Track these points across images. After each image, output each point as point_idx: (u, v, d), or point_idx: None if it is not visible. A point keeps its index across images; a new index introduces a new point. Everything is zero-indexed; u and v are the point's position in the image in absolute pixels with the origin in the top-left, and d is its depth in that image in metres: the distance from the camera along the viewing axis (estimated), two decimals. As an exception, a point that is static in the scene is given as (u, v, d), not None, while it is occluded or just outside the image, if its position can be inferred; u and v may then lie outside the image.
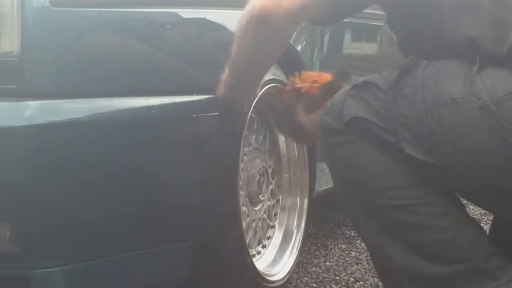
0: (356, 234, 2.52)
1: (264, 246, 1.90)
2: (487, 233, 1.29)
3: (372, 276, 2.04)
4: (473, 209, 2.70)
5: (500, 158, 1.10)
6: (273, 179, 1.92)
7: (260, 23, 1.24)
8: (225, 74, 1.45)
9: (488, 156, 1.11)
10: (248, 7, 1.26)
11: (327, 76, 1.50)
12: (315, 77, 1.50)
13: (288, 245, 1.94)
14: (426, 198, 1.20)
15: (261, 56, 1.37)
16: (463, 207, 1.24)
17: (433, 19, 1.22)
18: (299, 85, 1.50)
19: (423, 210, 1.20)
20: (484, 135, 1.10)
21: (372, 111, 1.21)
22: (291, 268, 1.90)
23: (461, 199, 1.26)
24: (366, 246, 1.37)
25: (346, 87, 1.28)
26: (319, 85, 1.48)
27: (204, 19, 1.57)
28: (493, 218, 1.42)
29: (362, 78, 1.25)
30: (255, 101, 1.65)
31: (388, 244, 1.23)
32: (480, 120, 1.10)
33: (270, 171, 1.88)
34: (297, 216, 1.99)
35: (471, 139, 1.11)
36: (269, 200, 1.90)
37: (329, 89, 1.47)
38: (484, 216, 2.71)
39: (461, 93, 1.12)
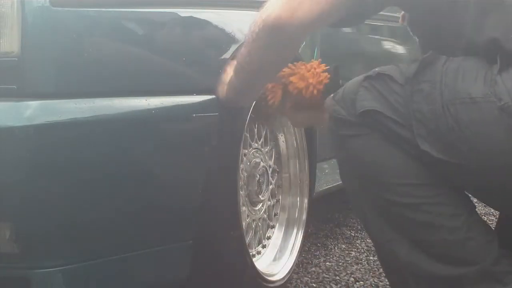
0: (356, 234, 2.52)
1: (264, 246, 1.90)
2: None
3: (372, 276, 2.04)
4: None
5: None
6: (273, 179, 1.92)
7: (274, 32, 1.24)
8: (227, 75, 1.45)
9: (505, 155, 1.10)
10: (262, 15, 1.25)
11: (322, 75, 1.47)
12: (311, 76, 1.47)
13: (288, 245, 1.94)
14: (438, 197, 1.19)
15: (271, 63, 1.37)
16: (474, 209, 1.23)
17: (456, 19, 1.21)
18: (293, 83, 1.48)
19: (435, 209, 1.19)
20: (502, 135, 1.10)
21: (387, 105, 1.19)
22: (291, 268, 1.89)
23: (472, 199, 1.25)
24: (372, 241, 1.35)
25: (357, 77, 1.26)
26: (318, 89, 1.46)
27: (204, 19, 1.56)
28: (499, 218, 1.42)
29: (376, 69, 1.24)
30: (255, 101, 1.65)
31: (396, 240, 1.22)
32: (498, 120, 1.09)
33: (270, 171, 1.88)
34: (297, 216, 1.99)
35: (488, 138, 1.11)
36: (269, 200, 1.90)
37: (327, 90, 1.45)
38: (484, 216, 2.71)
39: (481, 92, 1.11)
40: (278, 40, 1.26)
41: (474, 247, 1.18)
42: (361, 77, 1.25)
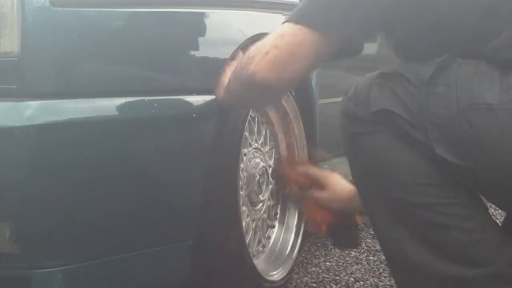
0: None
1: (264, 246, 1.90)
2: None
3: (372, 276, 2.04)
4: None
5: None
6: (273, 179, 1.92)
7: (262, 89, 1.25)
8: (226, 77, 1.45)
9: None
10: (247, 70, 1.23)
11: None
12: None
13: (288, 245, 1.94)
14: (454, 198, 1.18)
15: (261, 105, 1.44)
16: (487, 210, 1.22)
17: (464, 25, 1.18)
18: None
19: (450, 210, 1.17)
20: None
21: (402, 105, 1.17)
22: (291, 268, 1.90)
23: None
24: (379, 239, 1.34)
25: (369, 75, 1.24)
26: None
27: (204, 19, 1.57)
28: (504, 220, 1.41)
29: (391, 67, 1.22)
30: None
31: (406, 239, 1.20)
32: None
33: (270, 171, 1.88)
34: (297, 216, 1.99)
35: (504, 144, 1.10)
36: (269, 200, 1.90)
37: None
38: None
39: (497, 99, 1.10)
40: (267, 93, 1.28)
41: (488, 248, 1.17)
42: (374, 74, 1.23)
